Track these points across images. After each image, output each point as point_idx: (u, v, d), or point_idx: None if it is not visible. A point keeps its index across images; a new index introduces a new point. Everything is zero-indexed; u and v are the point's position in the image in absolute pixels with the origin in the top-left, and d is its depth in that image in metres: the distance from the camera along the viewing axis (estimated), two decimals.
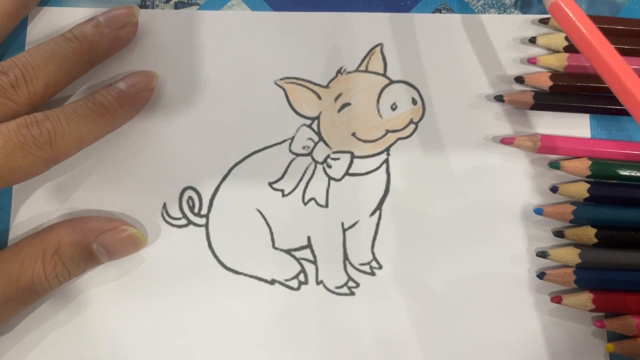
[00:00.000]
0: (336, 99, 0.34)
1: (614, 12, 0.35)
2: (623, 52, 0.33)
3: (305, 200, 0.33)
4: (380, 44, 0.34)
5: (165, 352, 0.31)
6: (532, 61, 0.34)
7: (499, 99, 0.33)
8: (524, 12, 0.35)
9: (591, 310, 0.31)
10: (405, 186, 0.33)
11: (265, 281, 0.32)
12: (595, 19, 0.34)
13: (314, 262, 0.32)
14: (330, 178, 0.33)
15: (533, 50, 0.34)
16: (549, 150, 0.33)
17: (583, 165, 0.32)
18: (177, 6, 0.34)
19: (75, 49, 0.31)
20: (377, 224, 0.33)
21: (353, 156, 0.33)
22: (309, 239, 0.32)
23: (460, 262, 0.32)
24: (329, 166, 0.33)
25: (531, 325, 0.32)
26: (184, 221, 0.32)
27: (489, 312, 0.32)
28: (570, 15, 0.28)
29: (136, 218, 0.32)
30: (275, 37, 0.34)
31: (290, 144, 0.33)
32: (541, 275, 0.32)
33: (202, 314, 0.32)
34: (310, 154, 0.33)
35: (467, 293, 0.32)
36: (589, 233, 0.32)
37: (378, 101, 0.34)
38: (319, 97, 0.34)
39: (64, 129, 0.29)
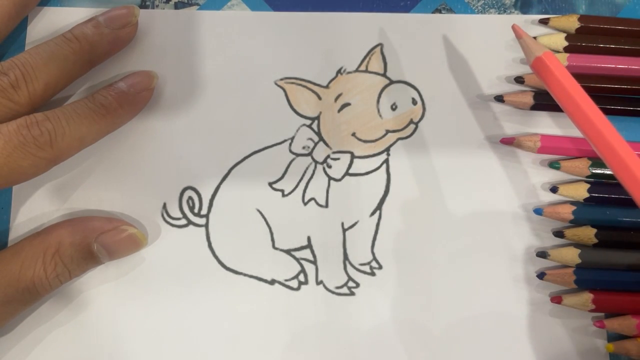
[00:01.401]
0: (336, 99, 0.34)
1: (614, 12, 0.35)
2: (623, 52, 0.33)
3: (305, 200, 0.33)
4: (380, 44, 0.34)
5: (165, 352, 0.31)
6: None
7: (499, 99, 0.33)
8: (524, 12, 0.35)
9: (591, 310, 0.31)
10: (405, 186, 0.33)
11: (265, 281, 0.32)
12: (595, 19, 0.34)
13: (314, 262, 0.32)
14: (330, 178, 0.33)
15: None
16: (549, 150, 0.33)
17: (583, 165, 0.32)
18: (177, 6, 0.34)
19: (75, 49, 0.31)
20: (377, 224, 0.33)
21: (353, 156, 0.33)
22: (309, 239, 0.32)
23: (460, 262, 0.32)
24: (329, 166, 0.33)
25: (531, 325, 0.32)
26: (184, 221, 0.32)
27: (488, 311, 0.32)
28: (554, 72, 0.29)
29: (136, 218, 0.32)
30: (275, 37, 0.34)
31: (290, 144, 0.33)
32: (541, 275, 0.32)
33: (201, 314, 0.32)
34: (310, 154, 0.33)
35: (466, 292, 0.32)
36: (589, 233, 0.32)
37: (378, 101, 0.34)
38: (319, 97, 0.34)
39: (65, 129, 0.29)
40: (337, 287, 0.32)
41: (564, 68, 0.29)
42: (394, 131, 0.33)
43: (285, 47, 0.34)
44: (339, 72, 0.34)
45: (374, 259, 0.32)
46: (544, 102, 0.33)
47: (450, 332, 0.32)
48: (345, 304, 0.32)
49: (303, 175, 0.33)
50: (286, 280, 0.32)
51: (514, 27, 0.31)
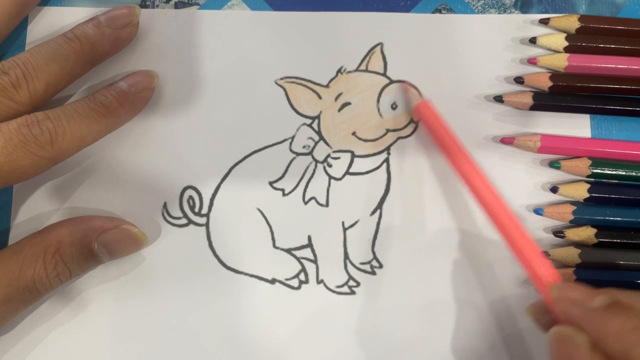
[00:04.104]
0: (336, 98, 0.34)
1: (614, 12, 0.35)
2: (623, 52, 0.33)
3: (306, 199, 0.33)
4: (380, 44, 0.34)
5: (165, 352, 0.31)
6: (532, 61, 0.34)
7: (499, 99, 0.33)
8: (524, 12, 0.35)
9: None
10: (405, 185, 0.33)
11: (266, 280, 0.32)
12: (595, 19, 0.34)
13: (315, 261, 0.32)
14: (330, 177, 0.33)
15: (533, 51, 0.34)
16: (549, 150, 0.33)
17: (583, 165, 0.32)
18: (177, 6, 0.35)
19: (76, 49, 0.31)
20: (378, 223, 0.33)
21: (353, 155, 0.33)
22: (309, 238, 0.33)
23: (460, 262, 0.32)
24: (330, 165, 0.33)
25: (531, 325, 0.32)
26: (184, 220, 0.32)
27: (488, 311, 0.32)
28: (429, 118, 0.32)
29: (137, 217, 0.32)
30: (275, 37, 0.34)
31: (291, 144, 0.33)
32: None
33: (202, 314, 0.32)
34: (310, 153, 0.33)
35: (467, 292, 0.32)
36: (589, 233, 0.32)
37: (378, 100, 0.34)
38: (319, 97, 0.34)
39: (65, 128, 0.29)
40: (338, 286, 0.32)
41: (437, 113, 0.32)
42: (394, 130, 0.33)
43: (285, 47, 0.34)
44: (339, 71, 0.34)
45: (375, 258, 0.32)
46: (544, 102, 0.33)
47: (450, 331, 0.32)
48: (345, 303, 0.32)
49: (303, 174, 0.33)
50: (287, 279, 0.32)
51: (402, 86, 0.34)
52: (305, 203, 0.33)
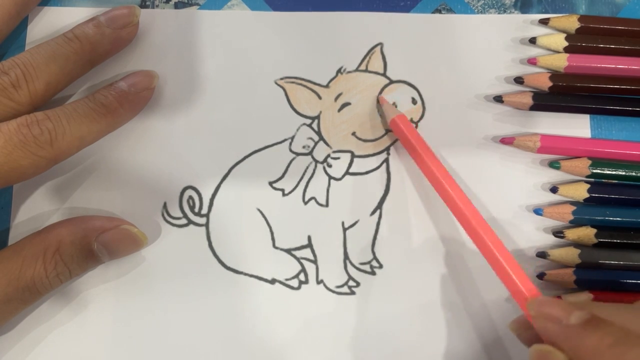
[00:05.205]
0: (336, 98, 0.34)
1: (614, 12, 0.35)
2: (623, 52, 0.33)
3: (306, 199, 0.33)
4: (380, 44, 0.34)
5: (165, 352, 0.31)
6: (532, 61, 0.34)
7: (498, 99, 0.33)
8: (523, 12, 0.35)
9: None
10: (405, 185, 0.33)
11: (266, 280, 0.32)
12: (595, 19, 0.34)
13: (315, 261, 0.32)
14: (330, 177, 0.33)
15: (533, 51, 0.34)
16: (549, 150, 0.33)
17: (583, 165, 0.32)
18: (177, 6, 0.35)
19: (76, 49, 0.31)
20: (378, 223, 0.33)
21: (353, 155, 0.33)
22: (309, 238, 0.32)
23: (459, 261, 0.32)
24: (329, 165, 0.33)
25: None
26: (184, 221, 0.32)
27: (488, 312, 0.32)
28: (405, 131, 0.32)
29: (136, 217, 0.32)
30: (275, 37, 0.34)
31: (291, 144, 0.33)
32: (541, 275, 0.32)
33: (202, 314, 0.32)
34: (310, 153, 0.33)
35: (467, 293, 0.32)
36: (589, 233, 0.32)
37: (378, 101, 0.34)
38: (319, 97, 0.34)
39: (65, 128, 0.29)
40: (338, 287, 0.32)
41: (413, 127, 0.32)
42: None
43: (285, 47, 0.34)
44: (339, 71, 0.34)
45: (375, 258, 0.32)
46: (543, 102, 0.33)
47: (450, 331, 0.32)
48: (345, 303, 0.32)
49: (303, 174, 0.33)
50: (287, 279, 0.32)
51: (379, 98, 0.34)
52: (305, 203, 0.33)
